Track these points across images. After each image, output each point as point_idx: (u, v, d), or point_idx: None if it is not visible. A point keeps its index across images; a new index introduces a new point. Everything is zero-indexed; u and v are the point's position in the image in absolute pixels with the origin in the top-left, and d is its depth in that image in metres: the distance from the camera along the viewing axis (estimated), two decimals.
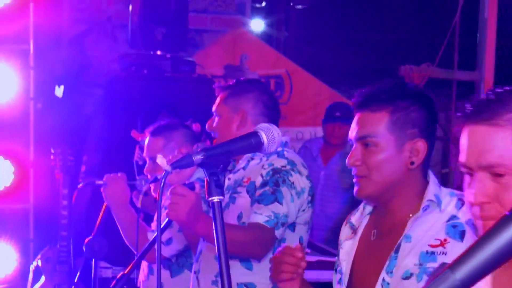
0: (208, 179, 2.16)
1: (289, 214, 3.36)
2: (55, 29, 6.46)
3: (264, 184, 3.38)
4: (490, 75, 7.72)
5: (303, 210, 3.45)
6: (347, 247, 2.60)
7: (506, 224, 1.27)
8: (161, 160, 2.19)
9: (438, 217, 2.42)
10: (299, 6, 10.78)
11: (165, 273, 3.94)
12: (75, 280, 4.00)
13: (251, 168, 3.50)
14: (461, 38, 8.24)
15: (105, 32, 8.23)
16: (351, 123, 2.55)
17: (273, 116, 3.59)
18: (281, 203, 3.33)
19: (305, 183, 3.45)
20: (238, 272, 3.41)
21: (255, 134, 2.27)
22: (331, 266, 2.78)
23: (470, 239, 2.33)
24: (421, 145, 2.46)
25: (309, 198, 3.47)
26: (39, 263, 4.99)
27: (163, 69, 6.43)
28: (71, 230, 4.85)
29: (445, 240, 2.37)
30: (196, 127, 4.18)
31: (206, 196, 2.16)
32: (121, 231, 4.04)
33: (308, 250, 4.91)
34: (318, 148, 6.78)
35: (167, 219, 2.99)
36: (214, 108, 3.64)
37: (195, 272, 3.57)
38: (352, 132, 2.52)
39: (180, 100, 6.06)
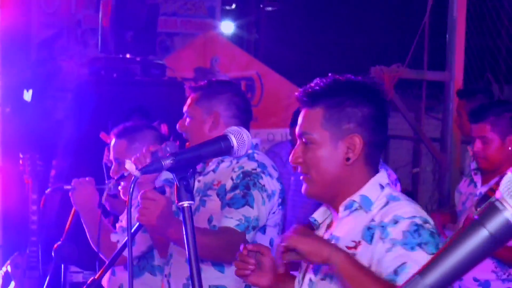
0: (177, 184, 2.15)
1: (260, 217, 3.34)
2: (24, 33, 6.42)
3: (234, 187, 3.37)
4: (460, 75, 7.76)
5: (274, 213, 3.44)
6: None
7: (474, 229, 1.26)
8: (129, 165, 2.16)
9: (362, 219, 2.35)
10: (269, 8, 10.80)
11: (125, 275, 3.90)
12: (45, 286, 3.96)
13: (222, 171, 3.48)
14: (431, 39, 8.30)
15: (75, 36, 8.18)
16: None
17: (246, 118, 3.57)
18: (252, 207, 3.31)
19: (275, 186, 3.43)
20: (210, 275, 3.39)
21: (224, 137, 2.27)
22: None
23: (378, 240, 2.26)
24: (357, 141, 2.37)
25: (280, 200, 3.46)
26: (9, 269, 4.94)
27: (133, 73, 6.40)
28: (41, 235, 4.80)
29: (359, 242, 2.30)
30: (164, 128, 4.15)
31: (176, 202, 2.15)
32: (88, 235, 4.01)
33: None
34: (287, 153, 6.71)
35: (138, 223, 2.97)
36: (185, 109, 3.59)
37: (166, 276, 3.55)
38: (296, 129, 2.47)
39: (150, 103, 6.03)
